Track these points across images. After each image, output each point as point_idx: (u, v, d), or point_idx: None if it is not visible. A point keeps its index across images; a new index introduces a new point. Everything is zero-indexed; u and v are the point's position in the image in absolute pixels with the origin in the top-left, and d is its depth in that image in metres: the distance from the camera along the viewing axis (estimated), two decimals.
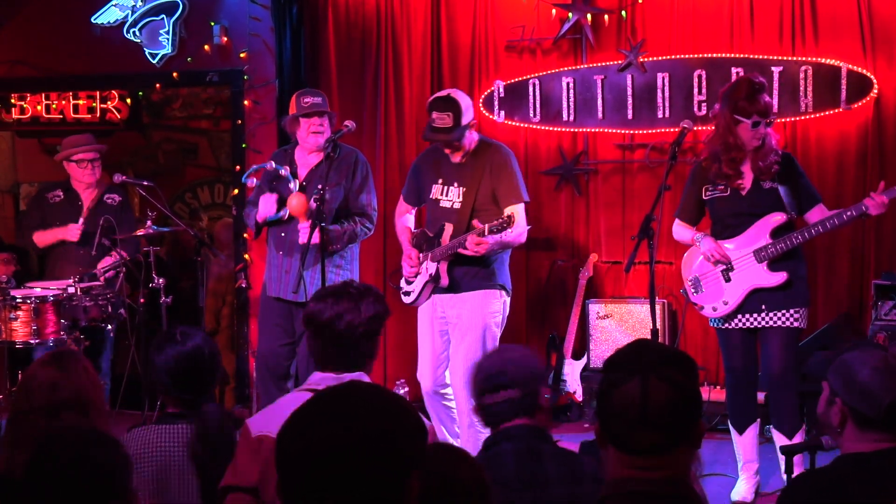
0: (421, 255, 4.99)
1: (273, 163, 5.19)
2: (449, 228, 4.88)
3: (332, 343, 2.80)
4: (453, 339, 4.94)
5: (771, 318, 4.58)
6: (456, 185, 4.93)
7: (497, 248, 4.79)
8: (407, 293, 5.09)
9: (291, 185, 5.14)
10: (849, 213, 4.47)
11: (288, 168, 5.14)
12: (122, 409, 5.83)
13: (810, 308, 4.75)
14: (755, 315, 4.60)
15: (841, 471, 2.50)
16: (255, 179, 5.20)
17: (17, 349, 5.33)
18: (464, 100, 4.86)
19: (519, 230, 4.80)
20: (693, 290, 4.78)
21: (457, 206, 4.91)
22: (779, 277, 4.54)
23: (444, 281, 4.88)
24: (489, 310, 4.87)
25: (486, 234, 4.57)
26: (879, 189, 4.46)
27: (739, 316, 4.63)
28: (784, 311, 4.56)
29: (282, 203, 5.15)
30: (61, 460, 2.09)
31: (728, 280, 4.64)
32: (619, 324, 6.22)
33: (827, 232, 4.58)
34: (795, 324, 4.57)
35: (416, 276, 5.02)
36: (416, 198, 5.21)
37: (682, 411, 1.86)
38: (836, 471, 2.51)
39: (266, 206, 5.16)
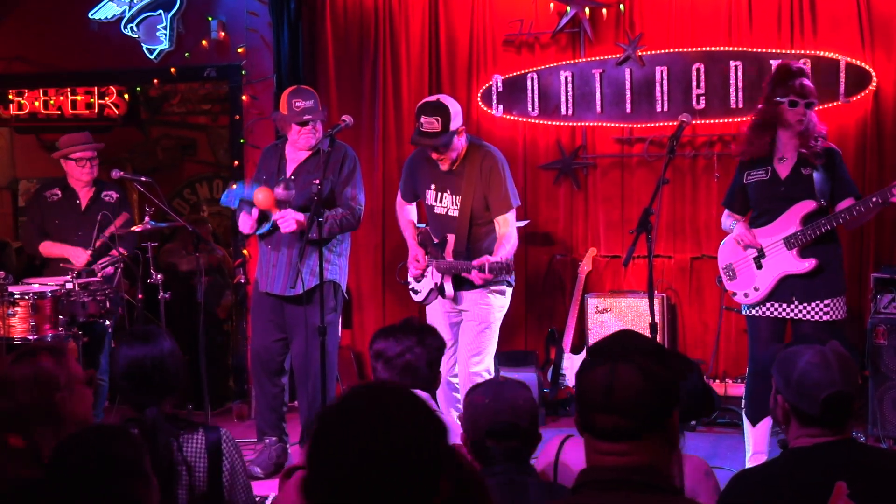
0: (427, 256, 5.00)
1: (244, 186, 5.20)
2: (451, 240, 4.89)
3: (402, 374, 3.13)
4: (461, 331, 4.99)
5: (802, 310, 4.59)
6: (449, 192, 4.92)
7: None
8: (415, 291, 5.14)
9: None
10: (874, 200, 4.47)
11: (257, 212, 5.11)
12: (122, 406, 5.81)
13: (846, 296, 4.72)
14: (785, 305, 4.62)
15: (783, 466, 2.49)
16: (235, 201, 5.22)
17: (15, 345, 5.30)
18: (453, 106, 4.82)
19: (511, 243, 4.85)
20: (727, 278, 4.83)
21: (453, 213, 4.91)
22: (808, 264, 4.56)
23: (449, 293, 4.90)
24: (498, 305, 4.95)
25: (486, 270, 4.63)
26: None
27: (769, 304, 4.66)
28: (816, 303, 4.57)
29: (262, 219, 5.14)
30: (82, 457, 2.14)
31: (759, 267, 4.67)
32: (618, 318, 6.22)
33: (854, 220, 4.55)
34: (825, 317, 4.56)
35: (422, 277, 5.04)
36: (412, 195, 5.23)
37: (648, 399, 1.87)
38: (777, 466, 2.51)
39: (244, 224, 5.19)
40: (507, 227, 4.86)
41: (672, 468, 1.94)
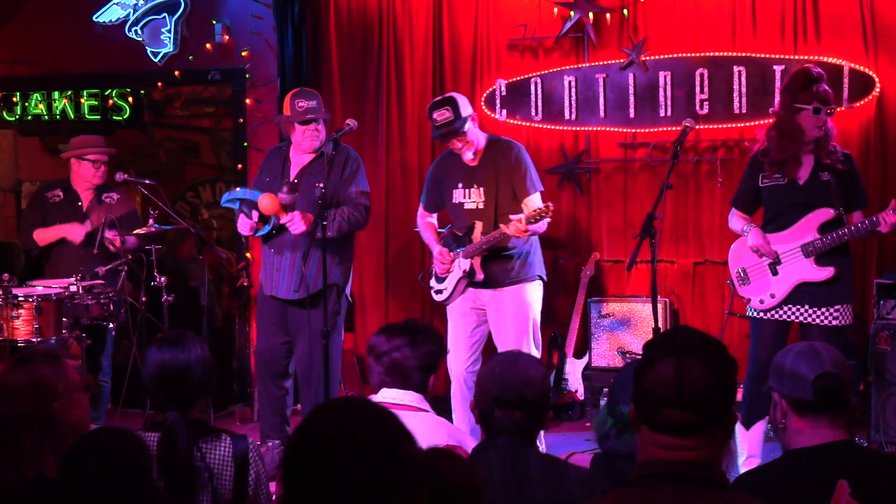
0: (451, 253, 5.09)
1: (246, 190, 5.22)
2: (479, 226, 5.03)
3: (389, 372, 3.11)
4: (499, 332, 5.07)
5: (812, 314, 4.59)
6: (476, 186, 5.09)
7: (529, 235, 4.95)
8: (439, 291, 5.21)
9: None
10: (864, 225, 4.50)
11: (257, 213, 5.12)
12: (125, 408, 5.82)
13: (854, 304, 4.73)
14: (796, 307, 4.62)
15: (783, 468, 2.52)
16: (236, 203, 5.24)
17: (19, 348, 5.30)
18: (459, 96, 5.08)
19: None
20: (739, 283, 4.79)
21: (481, 206, 5.07)
22: (826, 272, 4.55)
23: (480, 276, 5.02)
24: (532, 300, 5.08)
25: (523, 223, 4.73)
26: (891, 207, 4.46)
27: (780, 306, 4.66)
28: (826, 309, 4.56)
29: (261, 221, 5.15)
30: (94, 459, 2.19)
31: (775, 273, 4.66)
32: (620, 322, 6.22)
33: (863, 234, 4.59)
34: (835, 322, 4.56)
35: (447, 274, 5.10)
36: (434, 206, 5.36)
37: (714, 394, 1.91)
38: (777, 468, 2.54)
39: (243, 226, 5.21)
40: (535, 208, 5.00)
41: (722, 462, 1.98)
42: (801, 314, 4.61)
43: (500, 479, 2.58)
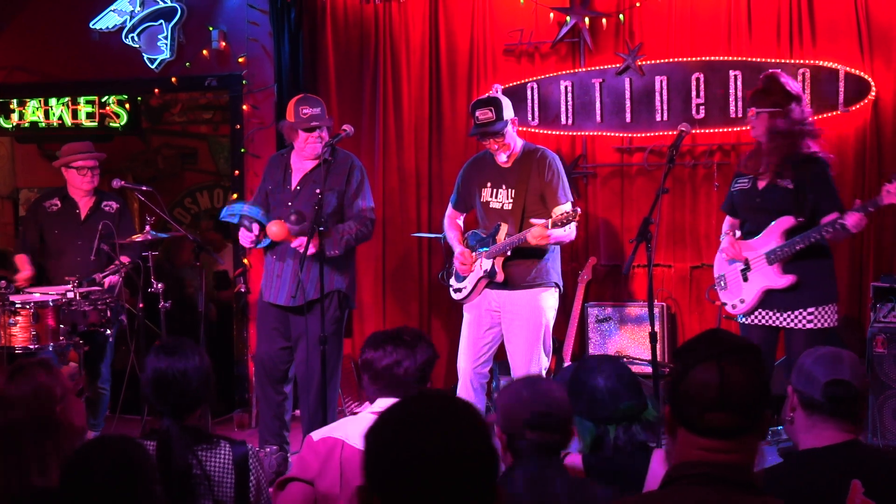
0: (474, 253, 5.12)
1: (244, 205, 5.24)
2: (504, 228, 5.05)
3: (391, 387, 3.01)
4: (510, 335, 5.09)
5: (784, 319, 4.64)
6: (504, 187, 5.11)
7: (552, 243, 4.97)
8: (458, 290, 5.23)
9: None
10: (837, 226, 4.47)
11: (257, 226, 5.14)
12: (123, 415, 5.82)
13: (837, 304, 4.73)
14: (771, 312, 4.69)
15: (793, 468, 2.54)
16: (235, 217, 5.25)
17: (16, 355, 5.30)
18: (505, 99, 5.09)
19: (571, 228, 4.96)
20: (719, 288, 4.92)
21: (507, 207, 5.08)
22: (787, 280, 4.60)
23: (500, 276, 5.04)
24: (546, 306, 5.09)
25: (549, 227, 4.74)
26: (855, 205, 4.46)
27: (760, 311, 4.73)
28: (793, 312, 4.60)
29: (262, 233, 5.18)
30: (98, 466, 2.19)
31: (746, 280, 4.74)
32: (618, 327, 6.22)
33: (832, 237, 4.56)
34: (808, 325, 4.59)
35: (468, 273, 5.14)
36: (464, 205, 5.38)
37: (756, 396, 1.93)
38: (787, 468, 2.56)
39: (244, 239, 5.23)
40: None
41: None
42: (777, 319, 4.67)
43: (527, 499, 2.58)
